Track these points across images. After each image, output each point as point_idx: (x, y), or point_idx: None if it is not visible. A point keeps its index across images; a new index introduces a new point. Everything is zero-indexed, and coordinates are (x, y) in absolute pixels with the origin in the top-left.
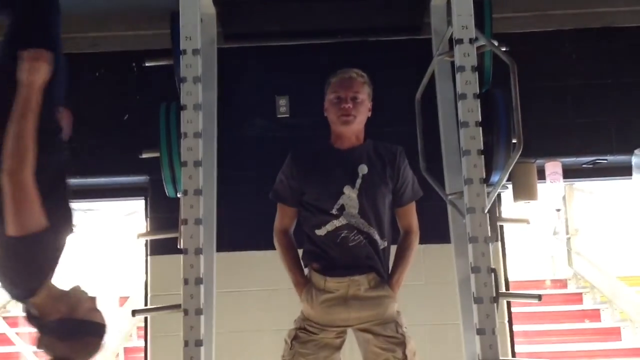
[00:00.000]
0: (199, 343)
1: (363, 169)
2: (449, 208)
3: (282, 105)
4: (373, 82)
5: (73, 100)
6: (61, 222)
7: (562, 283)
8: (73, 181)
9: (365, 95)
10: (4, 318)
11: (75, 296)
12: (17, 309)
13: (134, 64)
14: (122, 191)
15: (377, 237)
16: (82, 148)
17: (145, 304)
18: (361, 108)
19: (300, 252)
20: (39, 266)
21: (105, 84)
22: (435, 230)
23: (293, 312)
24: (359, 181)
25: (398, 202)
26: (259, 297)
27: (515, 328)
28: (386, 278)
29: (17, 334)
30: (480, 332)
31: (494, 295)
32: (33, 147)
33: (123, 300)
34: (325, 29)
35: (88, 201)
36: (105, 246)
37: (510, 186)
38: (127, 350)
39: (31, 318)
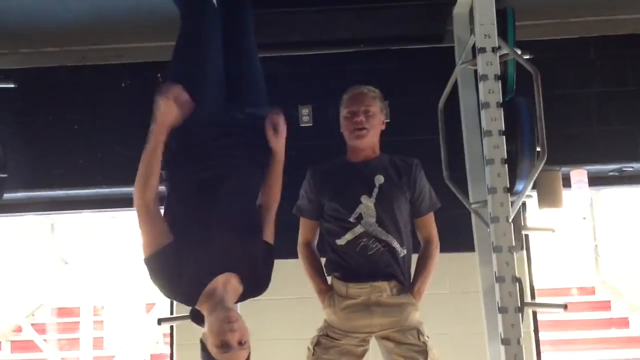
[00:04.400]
0: None
1: (379, 179)
2: (473, 217)
3: (305, 115)
4: (396, 90)
5: (99, 110)
6: (191, 234)
7: (590, 290)
8: (99, 191)
9: (377, 108)
10: (32, 325)
11: (211, 325)
12: (44, 315)
13: (159, 75)
14: None
15: (396, 245)
16: (108, 158)
17: (171, 312)
18: (373, 121)
19: (323, 260)
20: (170, 280)
21: (131, 95)
22: (459, 238)
23: (316, 320)
24: (375, 190)
25: (416, 212)
26: (282, 305)
27: (542, 336)
28: (407, 286)
29: (44, 340)
30: (505, 342)
31: (519, 305)
32: (153, 174)
33: (150, 306)
34: (347, 38)
35: (115, 210)
36: (131, 252)
37: (534, 194)
38: (153, 357)
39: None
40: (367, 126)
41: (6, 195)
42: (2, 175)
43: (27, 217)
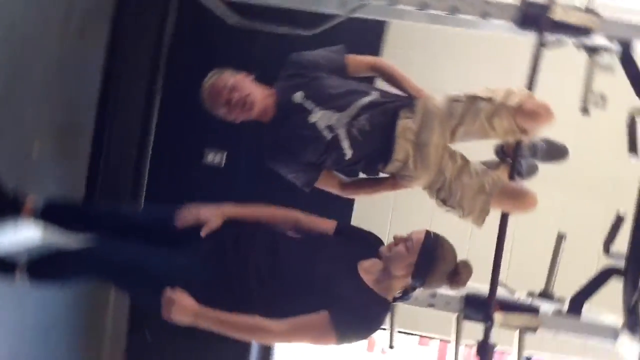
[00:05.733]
0: None
1: (299, 96)
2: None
3: (214, 158)
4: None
5: None
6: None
7: None
8: None
9: (234, 77)
10: None
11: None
12: None
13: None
14: None
15: (367, 99)
16: None
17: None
18: (244, 85)
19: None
20: (362, 325)
21: None
22: None
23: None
24: (308, 103)
25: (340, 69)
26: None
27: None
28: (409, 99)
29: None
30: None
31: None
32: (241, 323)
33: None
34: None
35: None
36: None
37: None
38: None
39: None
40: (245, 94)
41: None
42: None
43: None
